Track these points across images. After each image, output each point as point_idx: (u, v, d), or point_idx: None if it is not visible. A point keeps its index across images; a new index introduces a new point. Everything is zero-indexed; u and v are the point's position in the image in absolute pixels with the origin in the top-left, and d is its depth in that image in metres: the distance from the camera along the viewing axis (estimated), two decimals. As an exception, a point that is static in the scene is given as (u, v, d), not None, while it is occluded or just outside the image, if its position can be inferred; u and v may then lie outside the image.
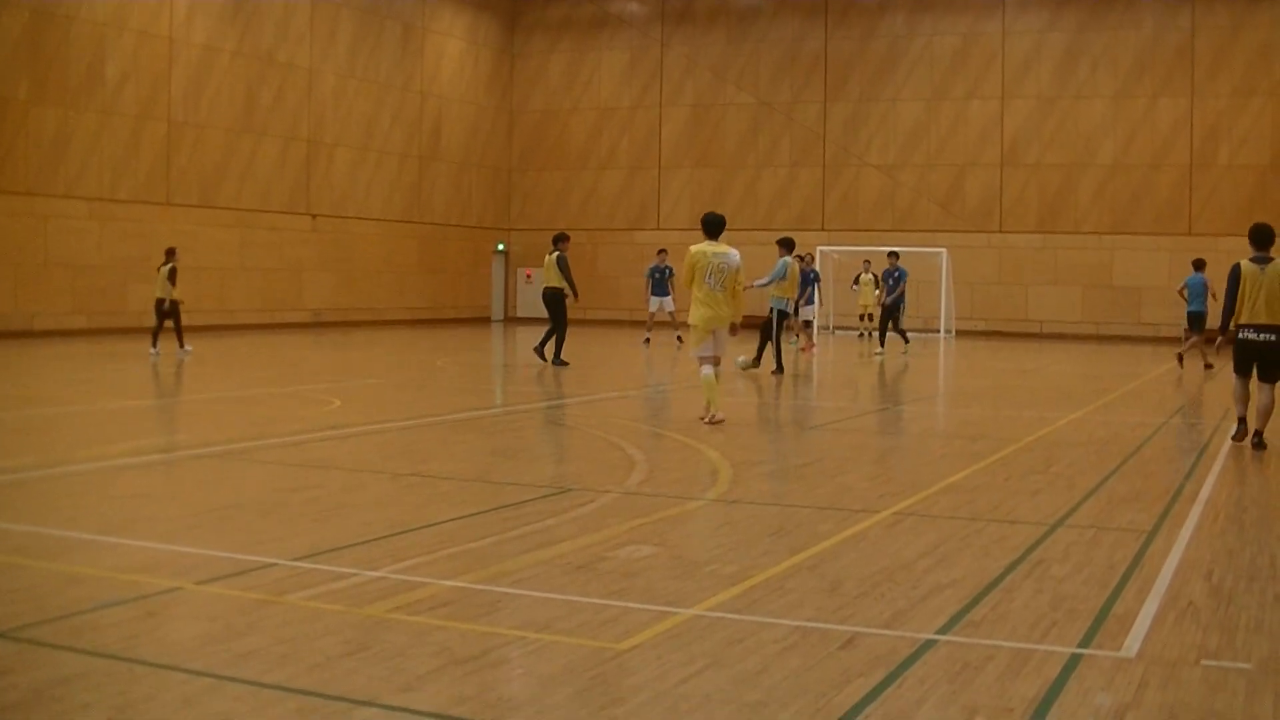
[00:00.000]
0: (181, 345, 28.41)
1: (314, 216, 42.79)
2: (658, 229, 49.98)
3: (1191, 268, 30.18)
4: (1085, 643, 7.00)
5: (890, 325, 32.76)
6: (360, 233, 44.76)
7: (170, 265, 28.49)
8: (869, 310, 41.12)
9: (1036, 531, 10.03)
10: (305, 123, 42.48)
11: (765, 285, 25.98)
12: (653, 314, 36.40)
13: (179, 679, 6.18)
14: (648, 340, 35.53)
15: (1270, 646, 7.05)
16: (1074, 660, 6.68)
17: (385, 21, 45.88)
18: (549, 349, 27.14)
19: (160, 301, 28.39)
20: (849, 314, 43.75)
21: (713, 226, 17.20)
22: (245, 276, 40.27)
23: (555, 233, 28.39)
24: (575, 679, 6.25)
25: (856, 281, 42.23)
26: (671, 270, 36.33)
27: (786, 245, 26.23)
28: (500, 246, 52.49)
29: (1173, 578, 8.53)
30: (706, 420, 16.90)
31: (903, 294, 32.72)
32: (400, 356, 30.02)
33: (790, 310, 26.71)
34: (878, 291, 37.46)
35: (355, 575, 8.21)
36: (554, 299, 26.86)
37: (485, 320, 51.12)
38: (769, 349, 25.88)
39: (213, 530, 9.73)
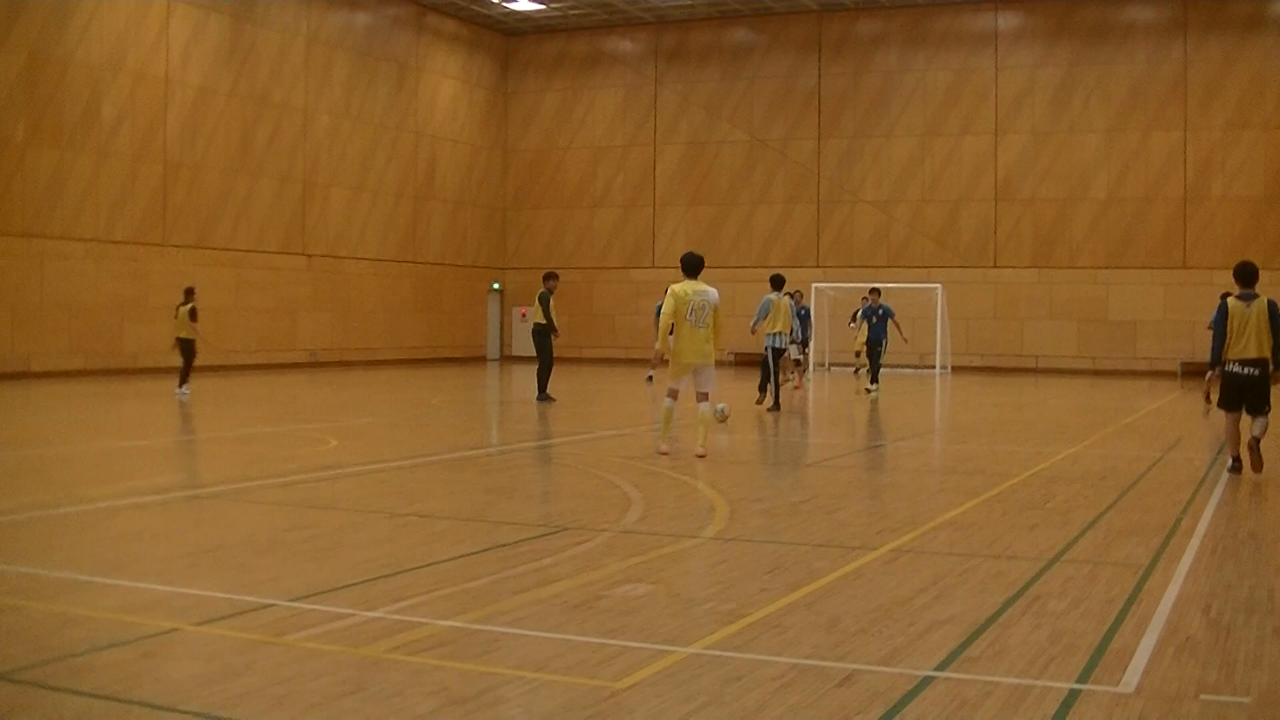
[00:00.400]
0: (181, 385, 28.24)
1: (309, 256, 42.84)
2: (653, 266, 50.05)
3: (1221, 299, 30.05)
4: (1083, 678, 6.99)
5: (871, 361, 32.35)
6: (355, 272, 44.81)
7: (190, 305, 28.84)
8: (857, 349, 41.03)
9: (1034, 567, 10.03)
10: (300, 163, 42.57)
11: (755, 326, 26.42)
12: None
13: (176, 720, 6.17)
14: (651, 378, 35.54)
15: (1269, 680, 7.04)
16: (1072, 696, 6.67)
17: (380, 62, 46.02)
18: (548, 387, 27.64)
19: (181, 341, 28.68)
20: (844, 350, 43.73)
21: (691, 266, 17.43)
22: (241, 316, 40.30)
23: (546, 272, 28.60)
24: (573, 718, 6.24)
25: (854, 319, 42.09)
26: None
27: (775, 283, 26.46)
28: (495, 285, 52.56)
29: (1171, 612, 8.52)
30: (664, 452, 17.62)
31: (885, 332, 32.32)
32: (396, 395, 30.01)
33: (784, 346, 26.64)
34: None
35: (353, 615, 8.20)
36: (536, 335, 27.65)
37: (481, 359, 51.14)
38: (772, 385, 26.03)
39: (210, 571, 9.72)
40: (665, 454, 17.56)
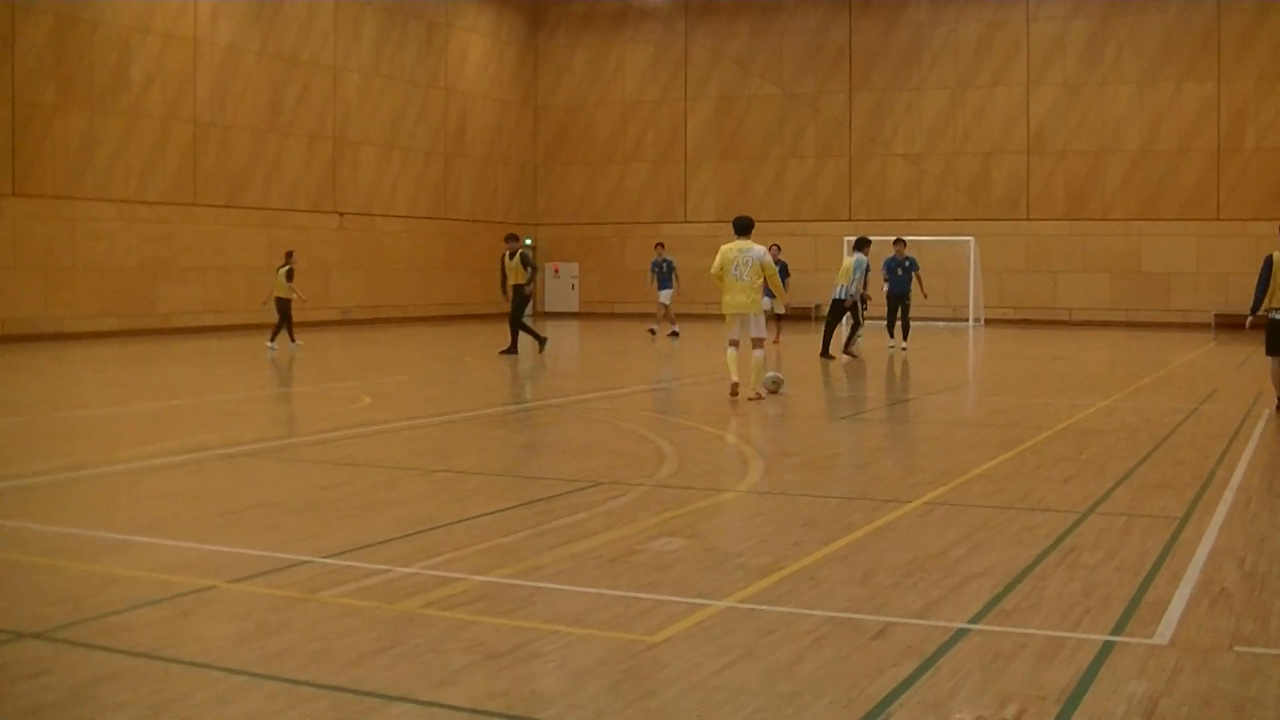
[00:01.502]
0: (293, 339, 30.54)
1: (341, 215, 42.88)
2: (685, 221, 49.98)
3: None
4: (1118, 630, 6.99)
5: (901, 317, 30.80)
6: (387, 230, 44.83)
7: (288, 266, 30.56)
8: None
9: (1068, 519, 10.01)
10: (330, 122, 42.56)
11: (851, 287, 27.82)
12: (664, 305, 36.30)
13: (213, 677, 6.21)
14: (653, 331, 35.69)
15: (1304, 631, 7.03)
16: (1107, 648, 6.67)
17: (409, 20, 45.93)
18: (533, 344, 28.92)
19: (280, 300, 30.40)
20: (879, 304, 43.52)
21: (741, 227, 19.58)
22: (273, 276, 40.32)
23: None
24: (609, 672, 6.26)
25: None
26: (671, 262, 36.39)
27: (861, 245, 28.38)
28: (527, 241, 52.53)
29: (1205, 564, 8.50)
30: (733, 396, 19.04)
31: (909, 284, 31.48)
32: (429, 353, 30.07)
33: (845, 297, 27.97)
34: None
35: (387, 572, 8.23)
36: (514, 292, 28.61)
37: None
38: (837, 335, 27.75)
39: (245, 529, 9.77)
40: (735, 396, 19.03)
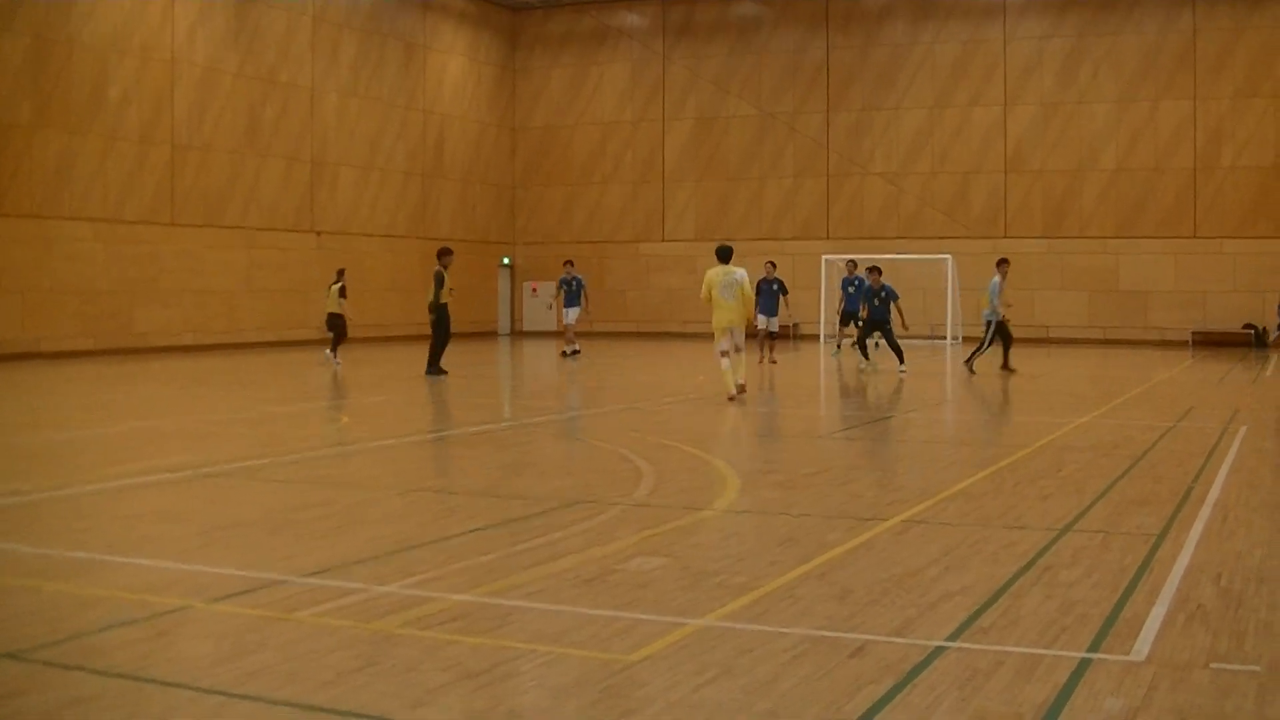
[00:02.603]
0: (333, 353, 31.73)
1: (319, 234, 42.85)
2: (663, 240, 50.06)
3: None
4: (1095, 647, 7.01)
5: (864, 338, 31.22)
6: (366, 250, 44.81)
7: (340, 284, 31.79)
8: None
9: (1045, 537, 10.03)
10: (309, 142, 42.56)
11: (992, 310, 29.26)
12: (568, 325, 35.99)
13: (189, 698, 6.19)
14: (565, 354, 35.31)
15: (1280, 647, 7.05)
16: (1083, 665, 6.68)
17: (387, 40, 45.98)
18: (443, 361, 28.35)
19: (332, 316, 31.72)
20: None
21: (723, 255, 22.60)
22: (252, 296, 40.33)
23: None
24: (587, 691, 6.26)
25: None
26: (580, 281, 36.11)
27: (999, 265, 29.96)
28: (505, 261, 52.54)
29: (1182, 581, 8.53)
30: (732, 397, 21.97)
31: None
32: (407, 372, 30.02)
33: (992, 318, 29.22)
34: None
35: (365, 591, 8.22)
36: (434, 313, 28.25)
37: (492, 334, 51.16)
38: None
39: (222, 548, 9.75)
40: (733, 399, 22.02)
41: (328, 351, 31.84)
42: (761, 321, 32.02)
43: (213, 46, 38.92)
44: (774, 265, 33.13)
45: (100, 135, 35.60)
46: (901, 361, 29.39)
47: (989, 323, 29.27)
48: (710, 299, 22.28)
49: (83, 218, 35.04)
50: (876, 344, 31.17)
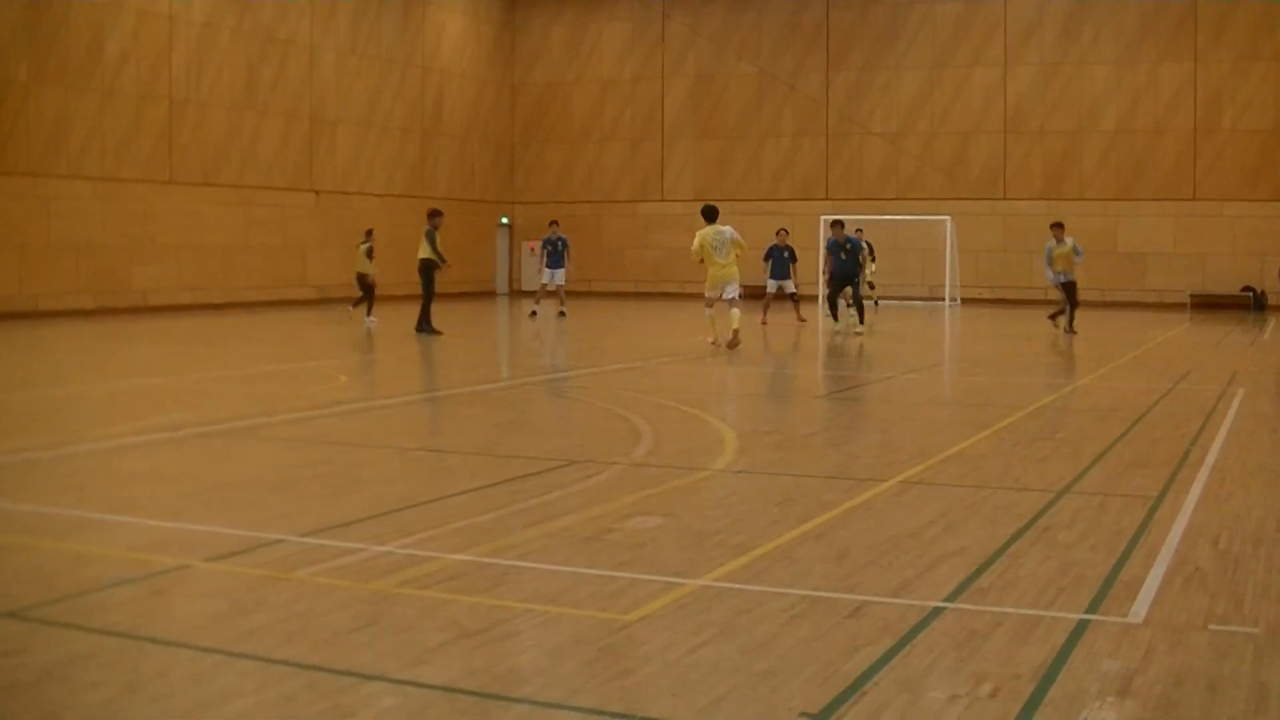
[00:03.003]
0: (368, 314, 31.94)
1: (317, 193, 42.76)
2: (661, 200, 49.95)
3: None
4: (1092, 609, 7.01)
5: (848, 296, 30.94)
6: (364, 209, 44.67)
7: (368, 244, 32.24)
8: (870, 280, 40.89)
9: (1043, 498, 10.03)
10: (307, 100, 42.42)
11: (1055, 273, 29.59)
12: (544, 285, 35.89)
13: (188, 656, 6.20)
14: (534, 314, 35.11)
15: (1278, 611, 7.05)
16: (1081, 626, 6.69)
17: (385, -3, 45.81)
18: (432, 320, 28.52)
19: (361, 276, 32.22)
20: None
21: (710, 214, 24.13)
22: (249, 254, 40.25)
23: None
24: (584, 650, 6.26)
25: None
26: (565, 241, 36.01)
27: (1055, 227, 30.19)
28: (504, 220, 52.45)
29: (1180, 543, 8.53)
30: (713, 342, 23.94)
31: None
32: (405, 331, 30.00)
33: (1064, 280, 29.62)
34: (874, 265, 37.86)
35: (363, 550, 8.22)
36: (424, 270, 28.42)
37: (490, 294, 51.09)
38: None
39: (220, 507, 9.75)
40: (713, 343, 23.89)
41: (364, 315, 31.90)
42: (772, 286, 32.60)
43: (210, 3, 38.74)
44: (786, 232, 33.41)
45: (97, 92, 35.47)
46: (861, 321, 29.44)
47: (1061, 285, 29.64)
48: (703, 259, 23.87)
49: (80, 176, 34.94)
50: (849, 304, 31.04)
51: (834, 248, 30.04)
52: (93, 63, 35.33)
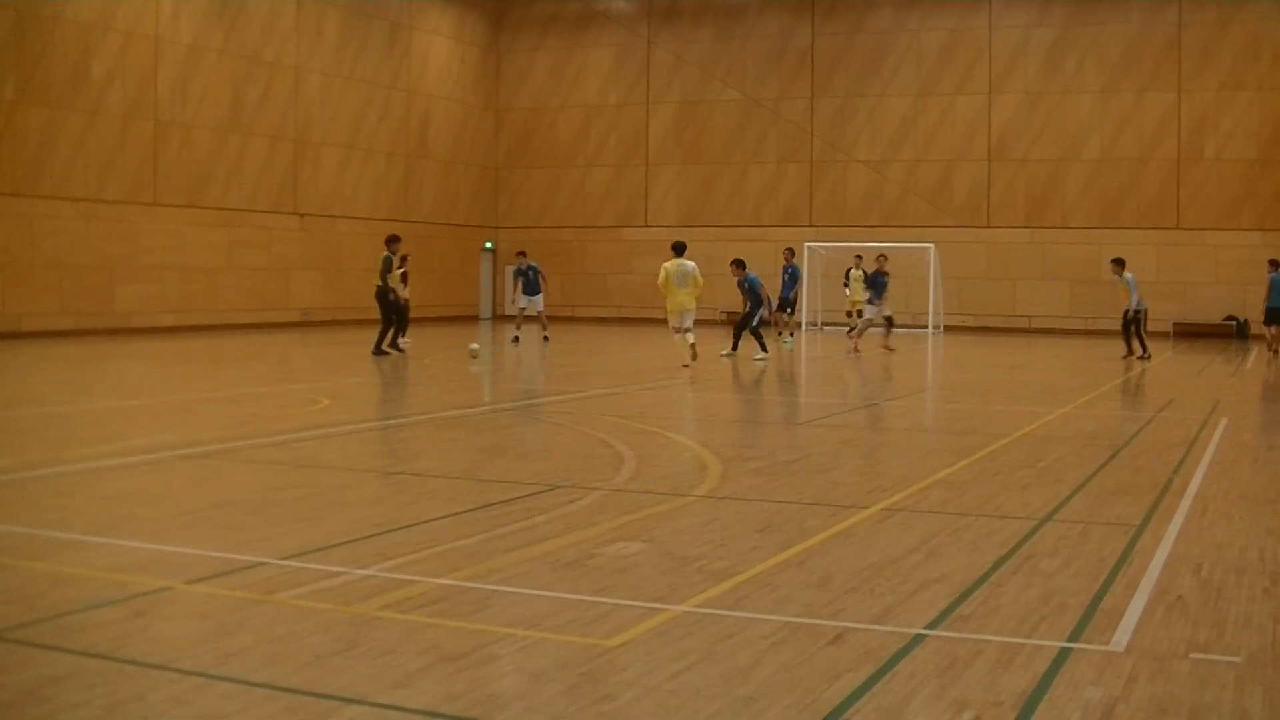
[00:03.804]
0: (400, 339, 31.01)
1: (301, 216, 42.75)
2: (645, 225, 49.98)
3: (1270, 265, 33.96)
4: (1074, 637, 7.01)
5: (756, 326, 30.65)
6: (348, 232, 44.69)
7: (403, 269, 31.30)
8: (858, 307, 40.98)
9: (1025, 526, 10.04)
10: (292, 122, 42.43)
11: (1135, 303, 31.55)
12: (521, 310, 35.97)
13: (168, 678, 6.17)
14: (517, 339, 35.16)
15: (1259, 640, 7.06)
16: (1063, 654, 6.69)
17: (371, 20, 45.83)
18: (387, 343, 29.37)
19: (395, 299, 31.25)
20: (835, 310, 43.50)
21: (679, 249, 26.86)
22: (233, 276, 40.22)
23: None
24: (565, 675, 6.25)
25: (847, 278, 41.91)
26: (536, 268, 36.06)
27: (1117, 264, 32.04)
28: (488, 244, 52.45)
29: (1162, 571, 8.54)
30: (686, 365, 25.57)
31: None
32: (390, 355, 29.98)
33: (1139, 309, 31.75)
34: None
35: (344, 573, 8.21)
36: (379, 296, 29.37)
37: (474, 318, 51.08)
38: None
39: (202, 529, 9.72)
40: (687, 367, 25.56)
41: (401, 339, 31.09)
42: (870, 311, 33.80)
43: (197, 24, 38.77)
44: (885, 258, 34.03)
45: (83, 112, 35.44)
46: (764, 350, 29.70)
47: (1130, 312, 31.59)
48: (666, 287, 26.46)
49: (64, 196, 34.89)
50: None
51: (741, 286, 30.33)
52: (78, 82, 35.31)
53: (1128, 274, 31.37)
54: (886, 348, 32.66)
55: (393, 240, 29.63)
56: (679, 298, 26.35)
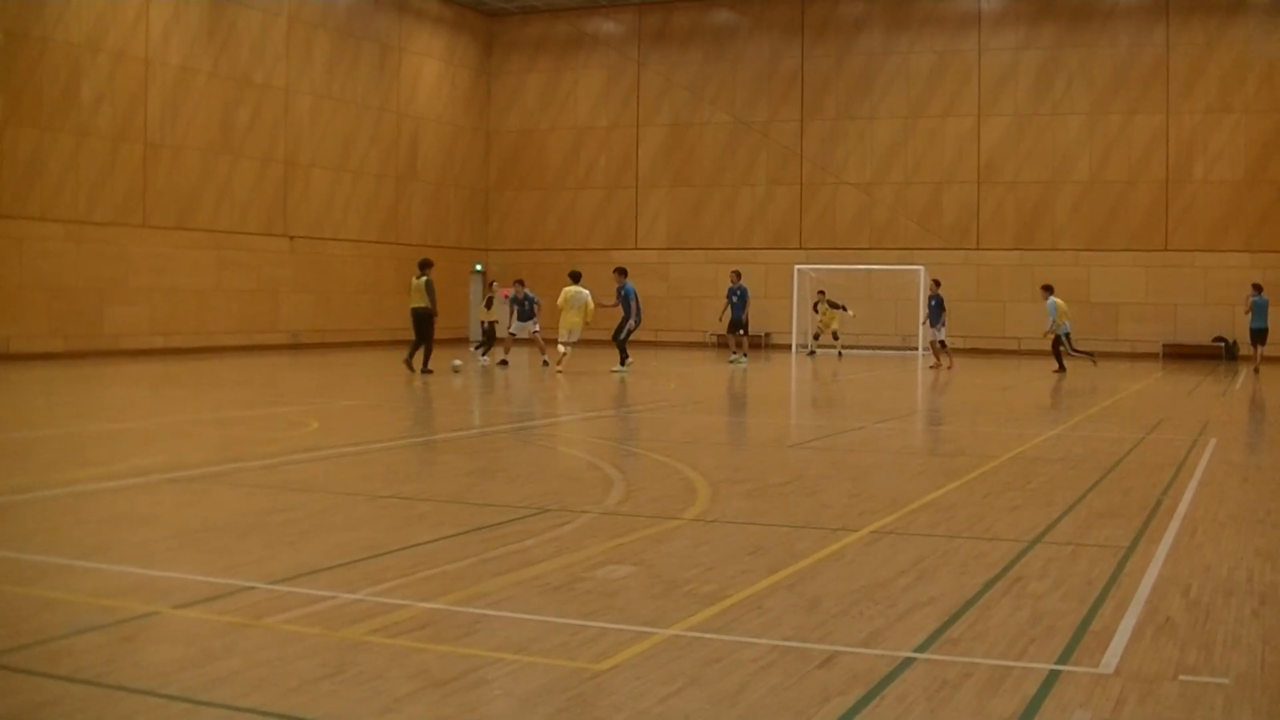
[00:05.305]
0: (485, 354, 35.88)
1: (291, 238, 42.74)
2: (635, 248, 49.99)
3: (1253, 289, 36.21)
4: (1063, 659, 7.01)
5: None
6: (337, 254, 44.70)
7: (490, 294, 35.49)
8: (833, 329, 41.72)
9: (1015, 548, 10.04)
10: (282, 143, 42.44)
11: (1050, 326, 34.25)
12: (513, 334, 35.98)
13: (155, 704, 6.15)
14: (505, 362, 35.21)
15: (1248, 661, 7.06)
16: (1052, 677, 6.68)
17: (362, 42, 45.88)
18: (417, 360, 30.27)
19: (487, 324, 36.17)
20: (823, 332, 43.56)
21: (575, 277, 32.22)
22: (223, 298, 40.19)
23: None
24: (554, 699, 6.24)
25: (815, 308, 42.50)
26: (532, 297, 36.16)
27: (1047, 290, 35.05)
28: (478, 267, 52.45)
29: (1150, 593, 8.54)
30: (560, 370, 30.80)
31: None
32: (377, 377, 29.98)
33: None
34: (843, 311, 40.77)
35: (333, 598, 8.19)
36: (423, 318, 30.13)
37: (464, 340, 51.04)
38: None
39: (190, 554, 9.70)
40: (560, 371, 30.83)
41: (480, 355, 34.72)
42: (935, 334, 36.82)
43: (187, 46, 38.79)
44: (938, 282, 37.14)
45: (72, 134, 35.45)
46: (623, 364, 33.14)
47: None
48: (563, 308, 31.71)
49: (53, 218, 34.87)
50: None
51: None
52: (68, 104, 35.32)
53: (1051, 299, 34.44)
54: (946, 367, 35.86)
55: (428, 265, 30.79)
56: (570, 317, 31.75)
